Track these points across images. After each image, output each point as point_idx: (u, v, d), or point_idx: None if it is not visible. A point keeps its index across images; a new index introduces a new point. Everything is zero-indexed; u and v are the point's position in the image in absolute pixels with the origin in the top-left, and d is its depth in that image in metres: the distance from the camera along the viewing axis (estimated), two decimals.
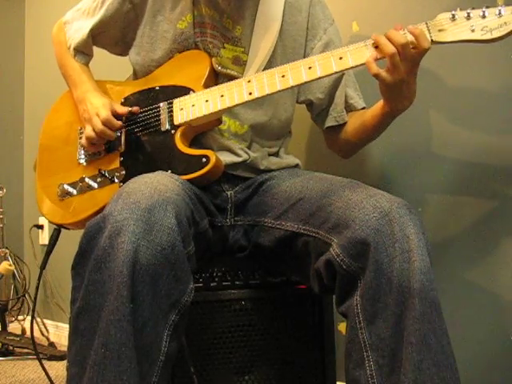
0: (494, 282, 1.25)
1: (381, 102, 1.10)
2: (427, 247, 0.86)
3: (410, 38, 0.95)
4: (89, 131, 1.18)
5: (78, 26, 1.30)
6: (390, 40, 0.95)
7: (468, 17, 0.94)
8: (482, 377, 1.24)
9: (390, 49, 0.95)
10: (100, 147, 1.20)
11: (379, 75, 0.98)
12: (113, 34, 1.28)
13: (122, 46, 1.30)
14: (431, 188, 1.35)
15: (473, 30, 0.93)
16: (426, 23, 0.97)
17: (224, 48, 1.19)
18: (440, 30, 0.96)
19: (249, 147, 1.21)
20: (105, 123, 1.16)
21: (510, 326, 1.22)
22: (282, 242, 1.06)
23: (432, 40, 0.96)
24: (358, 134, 1.22)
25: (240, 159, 1.18)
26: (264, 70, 1.17)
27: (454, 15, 0.95)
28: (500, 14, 0.91)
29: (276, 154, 1.28)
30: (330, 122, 1.26)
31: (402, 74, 0.97)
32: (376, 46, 0.99)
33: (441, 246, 1.30)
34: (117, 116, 1.19)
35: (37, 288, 1.30)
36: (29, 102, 2.80)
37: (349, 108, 1.26)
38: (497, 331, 1.23)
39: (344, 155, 1.34)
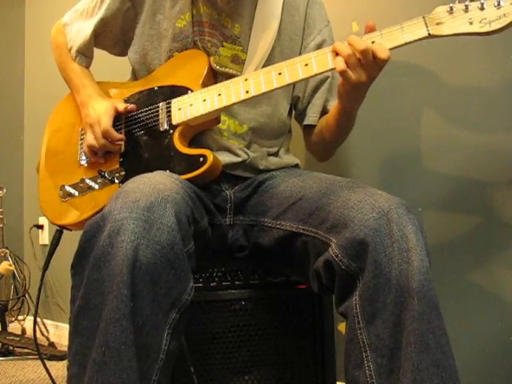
0: (494, 283, 1.25)
1: (336, 102, 1.12)
2: (426, 247, 0.86)
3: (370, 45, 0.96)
4: (90, 140, 1.18)
5: (79, 27, 1.29)
6: (350, 45, 0.96)
7: (466, 9, 0.93)
8: (482, 377, 1.24)
9: (346, 50, 0.96)
10: (100, 158, 1.20)
11: (346, 73, 0.98)
12: (113, 34, 1.27)
13: (121, 46, 1.30)
14: (431, 188, 1.35)
15: (471, 23, 0.92)
16: (424, 17, 0.96)
17: (223, 46, 1.19)
18: (438, 24, 0.95)
19: (248, 147, 1.21)
20: (104, 134, 1.16)
21: (510, 326, 1.22)
22: (281, 241, 1.06)
23: (430, 34, 0.95)
24: (323, 134, 1.24)
25: (239, 159, 1.18)
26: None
27: (451, 8, 0.94)
28: (499, 5, 0.90)
29: (276, 154, 1.28)
30: (305, 120, 1.29)
31: (364, 76, 0.98)
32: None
33: (441, 246, 1.30)
34: (120, 115, 1.20)
35: (39, 289, 1.30)
36: (29, 102, 2.80)
37: (324, 111, 1.28)
38: (497, 331, 1.23)
39: (318, 157, 1.36)
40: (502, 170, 1.24)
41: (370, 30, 0.99)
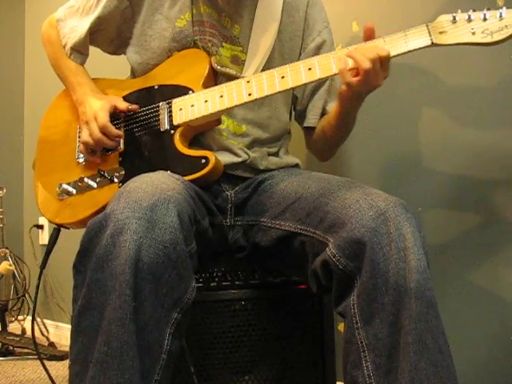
0: (494, 283, 1.25)
1: (337, 103, 1.13)
2: (424, 246, 0.86)
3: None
4: (86, 136, 1.18)
5: (73, 24, 1.28)
6: (364, 56, 0.97)
7: (469, 19, 0.94)
8: (482, 377, 1.24)
9: (367, 65, 0.96)
10: (96, 155, 1.19)
11: (351, 83, 0.99)
12: (109, 33, 1.26)
13: (116, 45, 1.29)
14: (431, 188, 1.35)
15: (473, 33, 0.94)
16: (427, 25, 0.97)
17: (223, 47, 1.19)
18: (441, 33, 0.96)
19: (248, 147, 1.21)
20: (102, 130, 1.16)
21: (510, 327, 1.22)
22: (280, 241, 1.06)
23: (433, 42, 0.97)
24: (325, 134, 1.25)
25: (239, 159, 1.18)
26: (263, 69, 1.18)
27: (454, 17, 0.95)
28: (501, 16, 0.92)
29: (276, 154, 1.28)
30: (305, 122, 1.29)
31: (373, 84, 0.99)
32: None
33: (441, 246, 1.31)
34: (117, 113, 1.19)
35: (37, 288, 1.30)
36: (29, 102, 2.80)
37: (323, 112, 1.28)
38: (497, 331, 1.23)
39: (319, 157, 1.37)
40: (502, 170, 1.24)
41: (370, 31, 1.00)
